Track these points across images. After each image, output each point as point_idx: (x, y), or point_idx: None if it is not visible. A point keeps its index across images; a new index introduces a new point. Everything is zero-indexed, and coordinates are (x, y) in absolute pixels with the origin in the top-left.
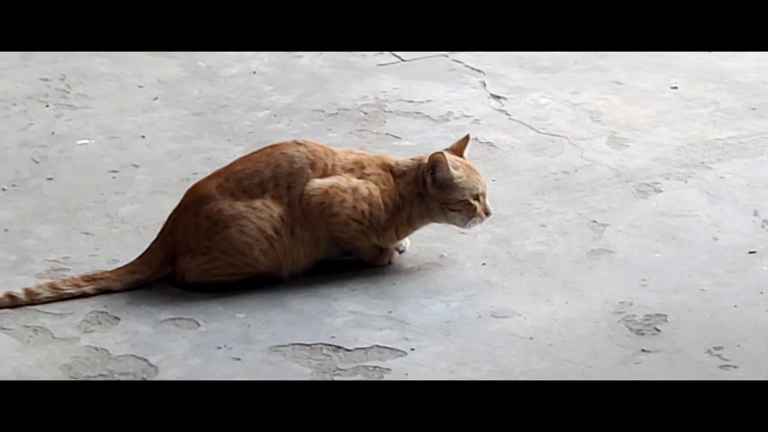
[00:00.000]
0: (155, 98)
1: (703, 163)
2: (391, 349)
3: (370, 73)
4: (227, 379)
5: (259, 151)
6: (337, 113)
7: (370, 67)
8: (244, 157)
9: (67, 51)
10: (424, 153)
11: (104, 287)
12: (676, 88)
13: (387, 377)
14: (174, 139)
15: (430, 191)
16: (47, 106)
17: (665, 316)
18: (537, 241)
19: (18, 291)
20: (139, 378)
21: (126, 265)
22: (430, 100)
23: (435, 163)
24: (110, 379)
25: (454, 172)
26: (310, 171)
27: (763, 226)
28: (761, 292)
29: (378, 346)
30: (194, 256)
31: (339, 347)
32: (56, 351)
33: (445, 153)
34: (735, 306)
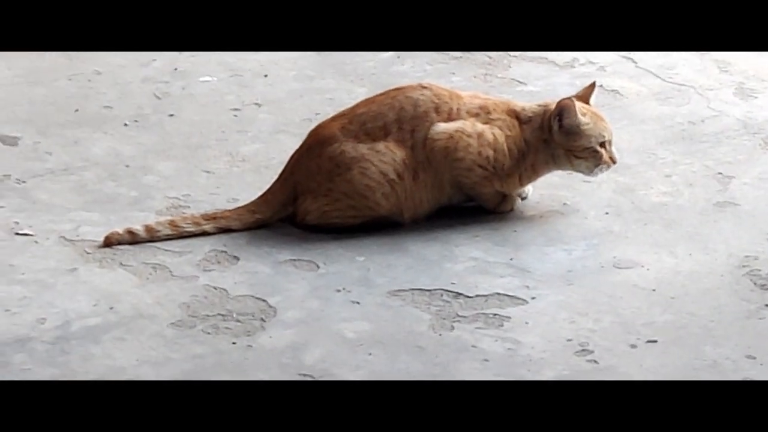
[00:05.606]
0: None
1: None
2: (512, 297)
3: None
4: (343, 322)
5: (383, 93)
6: (461, 56)
7: None
8: (368, 99)
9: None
10: (551, 99)
11: (224, 226)
12: None
13: (507, 325)
14: (296, 79)
15: (556, 138)
16: None
17: None
18: (661, 191)
19: (138, 227)
20: (257, 318)
21: (246, 205)
22: None
23: (562, 109)
24: (229, 319)
25: (582, 119)
26: (434, 115)
27: None
28: None
29: (498, 293)
30: (315, 198)
31: (459, 293)
32: (175, 289)
33: (574, 99)
34: None
